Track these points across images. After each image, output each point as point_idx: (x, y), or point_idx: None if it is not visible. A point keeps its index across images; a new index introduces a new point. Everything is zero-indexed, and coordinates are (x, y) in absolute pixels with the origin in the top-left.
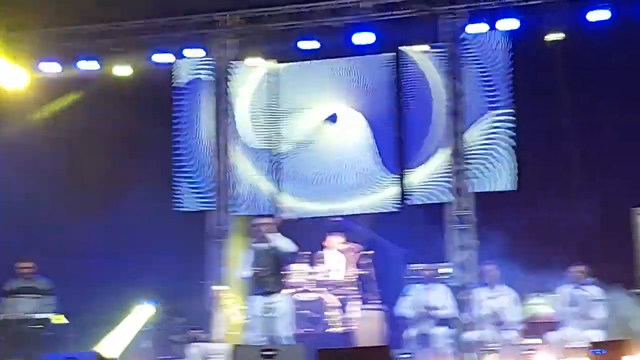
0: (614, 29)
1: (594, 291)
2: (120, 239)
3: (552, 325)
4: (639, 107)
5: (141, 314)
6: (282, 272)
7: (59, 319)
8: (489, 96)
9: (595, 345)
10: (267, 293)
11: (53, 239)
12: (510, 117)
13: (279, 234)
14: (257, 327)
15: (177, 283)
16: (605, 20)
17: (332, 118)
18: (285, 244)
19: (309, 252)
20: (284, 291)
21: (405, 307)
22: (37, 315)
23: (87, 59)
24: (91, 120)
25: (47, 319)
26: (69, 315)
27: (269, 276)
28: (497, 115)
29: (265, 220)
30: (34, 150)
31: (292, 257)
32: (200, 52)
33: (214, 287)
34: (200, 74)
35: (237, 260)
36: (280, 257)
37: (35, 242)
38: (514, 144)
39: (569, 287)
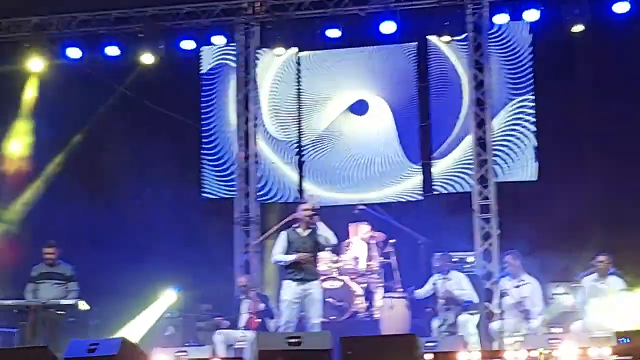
0: (635, 20)
1: (617, 282)
2: (147, 226)
3: (575, 315)
4: None
5: (166, 300)
6: (317, 260)
7: (83, 305)
8: (511, 87)
9: (620, 334)
10: (304, 280)
11: (79, 225)
12: (532, 109)
13: (321, 223)
14: (290, 313)
15: (203, 270)
16: (627, 12)
17: (356, 107)
18: (329, 234)
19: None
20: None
21: (429, 294)
22: (62, 301)
23: (111, 44)
24: (117, 107)
25: (71, 305)
26: (92, 302)
27: (307, 263)
28: (520, 106)
29: (308, 206)
30: (61, 136)
31: (333, 248)
32: (225, 40)
33: (238, 279)
34: (225, 61)
35: (271, 246)
36: (318, 245)
37: (61, 229)
38: (535, 135)
39: (592, 277)
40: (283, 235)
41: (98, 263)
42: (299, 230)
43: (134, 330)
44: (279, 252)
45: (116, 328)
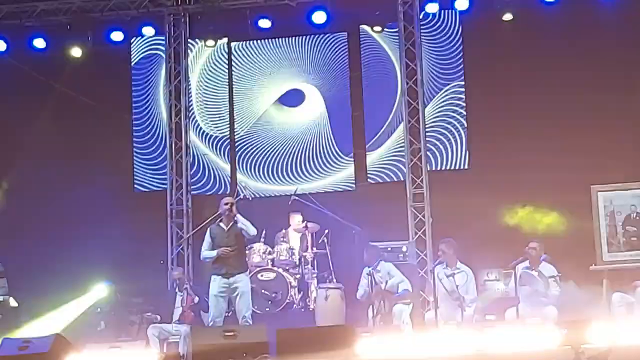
0: (564, 7)
1: (547, 269)
2: (78, 219)
3: (508, 302)
4: (590, 85)
5: (96, 294)
6: (244, 253)
7: (12, 302)
8: (442, 75)
9: (556, 324)
10: (228, 274)
11: (10, 219)
12: (462, 94)
13: (239, 215)
14: (217, 307)
15: (136, 263)
16: (556, 0)
17: (290, 97)
18: (247, 225)
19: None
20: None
21: (364, 285)
22: None
23: (38, 37)
24: (46, 101)
25: (0, 303)
26: (23, 299)
27: (231, 257)
28: (450, 94)
29: (228, 200)
30: None
31: (253, 238)
32: (154, 31)
33: (173, 272)
34: (155, 52)
35: (199, 240)
36: (242, 237)
37: None
38: (467, 123)
39: (524, 264)
40: (207, 231)
41: (29, 258)
42: (222, 224)
43: (58, 320)
44: (205, 249)
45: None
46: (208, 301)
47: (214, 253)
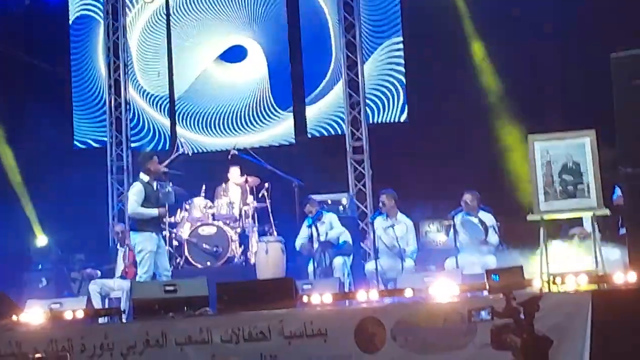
0: None
1: (486, 218)
2: (18, 175)
3: (447, 251)
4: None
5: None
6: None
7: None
8: (381, 29)
9: (490, 272)
10: (158, 232)
11: None
12: (400, 51)
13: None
14: (150, 264)
15: (76, 219)
16: None
17: (231, 53)
18: (168, 193)
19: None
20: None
21: (303, 238)
22: None
23: None
24: None
25: None
26: None
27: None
28: (389, 50)
29: (154, 160)
30: None
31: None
32: None
33: (115, 226)
34: (93, 8)
35: (129, 197)
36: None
37: None
38: (404, 79)
39: (462, 214)
40: (139, 186)
41: None
42: (151, 182)
43: None
44: (139, 204)
45: None
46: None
47: (155, 212)
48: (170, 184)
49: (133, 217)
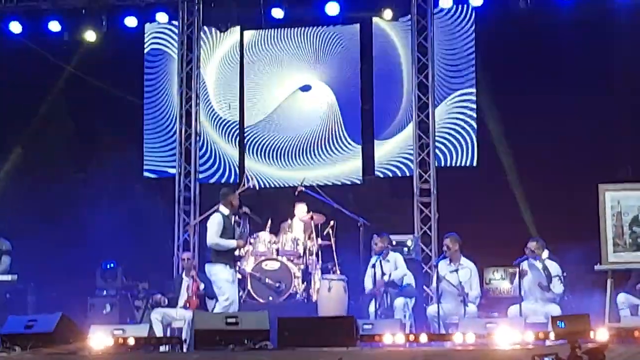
0: (578, 7)
1: (552, 266)
2: (86, 202)
3: (511, 299)
4: (603, 85)
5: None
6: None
7: (14, 280)
8: (455, 72)
9: (556, 319)
10: (234, 264)
11: (15, 199)
12: (474, 103)
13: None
14: (233, 293)
15: (142, 248)
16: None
17: (300, 88)
18: (244, 231)
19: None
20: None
21: (368, 278)
22: (0, 277)
23: (54, 20)
24: (60, 84)
25: (9, 281)
26: (31, 278)
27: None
28: (462, 99)
29: (236, 195)
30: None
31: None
32: (168, 17)
33: (182, 254)
34: (169, 38)
35: (208, 227)
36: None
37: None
38: (475, 124)
39: (527, 262)
40: (219, 218)
41: (36, 238)
42: (231, 217)
43: None
44: (219, 235)
45: (54, 304)
46: (212, 288)
47: (234, 243)
48: (248, 223)
49: (211, 247)
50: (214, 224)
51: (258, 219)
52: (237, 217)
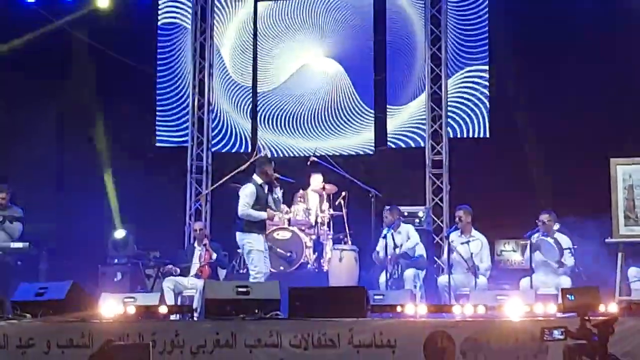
0: None
1: (563, 240)
2: (98, 170)
3: (522, 272)
4: (620, 58)
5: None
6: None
7: (26, 247)
8: (469, 46)
9: (565, 291)
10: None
11: (33, 168)
12: (485, 80)
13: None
14: (262, 264)
15: (154, 217)
16: None
17: (313, 59)
18: (277, 199)
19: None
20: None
21: (379, 249)
22: (12, 245)
23: None
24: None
25: (21, 248)
26: (44, 245)
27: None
28: (474, 74)
29: (272, 164)
30: (19, 80)
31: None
32: None
33: (195, 224)
34: (183, 8)
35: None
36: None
37: (13, 171)
38: (488, 93)
39: (538, 234)
40: (252, 188)
41: (48, 206)
42: (265, 186)
43: None
44: (250, 206)
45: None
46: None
47: (264, 215)
48: (281, 190)
49: (242, 217)
50: (246, 194)
51: (290, 180)
52: (271, 187)
